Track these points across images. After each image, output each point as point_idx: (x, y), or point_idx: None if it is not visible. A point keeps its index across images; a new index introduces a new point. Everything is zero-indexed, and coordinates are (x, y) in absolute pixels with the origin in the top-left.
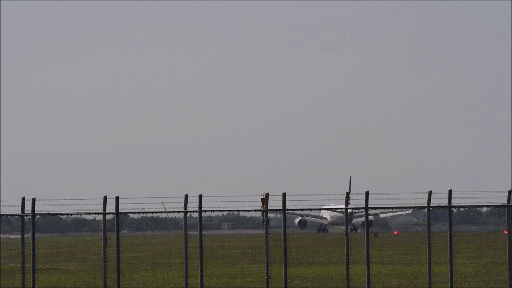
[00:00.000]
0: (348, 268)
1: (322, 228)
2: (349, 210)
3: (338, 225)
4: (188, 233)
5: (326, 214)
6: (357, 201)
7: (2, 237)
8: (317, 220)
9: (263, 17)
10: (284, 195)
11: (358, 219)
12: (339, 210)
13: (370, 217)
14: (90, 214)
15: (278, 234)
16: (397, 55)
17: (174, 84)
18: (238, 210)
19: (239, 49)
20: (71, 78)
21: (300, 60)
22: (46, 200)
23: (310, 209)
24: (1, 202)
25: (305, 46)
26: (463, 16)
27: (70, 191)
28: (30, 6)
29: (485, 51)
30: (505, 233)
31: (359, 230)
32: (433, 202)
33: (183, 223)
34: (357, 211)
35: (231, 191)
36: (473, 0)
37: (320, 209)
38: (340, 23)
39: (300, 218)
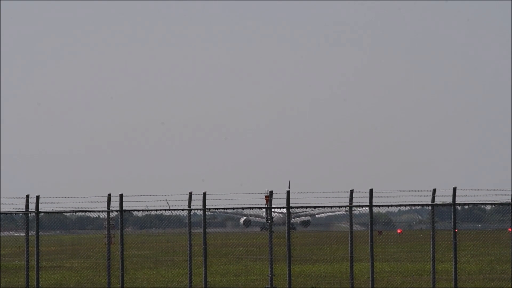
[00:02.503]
0: (352, 266)
1: (264, 227)
2: (291, 210)
3: (279, 225)
4: (192, 231)
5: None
6: (298, 200)
7: (6, 234)
8: (260, 219)
9: (263, 17)
10: (288, 193)
11: (297, 218)
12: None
13: (308, 217)
14: (94, 211)
15: (282, 232)
16: (398, 55)
17: (174, 84)
18: (242, 208)
19: (239, 49)
20: (71, 78)
21: (300, 59)
22: (50, 198)
23: (314, 207)
24: (1, 200)
25: (305, 46)
26: (463, 16)
27: (74, 189)
28: (30, 6)
29: (485, 51)
30: (509, 231)
31: (297, 229)
32: (437, 200)
33: (187, 221)
34: (296, 210)
35: (232, 191)
36: (473, 0)
37: (324, 207)
38: (340, 23)
39: (244, 218)
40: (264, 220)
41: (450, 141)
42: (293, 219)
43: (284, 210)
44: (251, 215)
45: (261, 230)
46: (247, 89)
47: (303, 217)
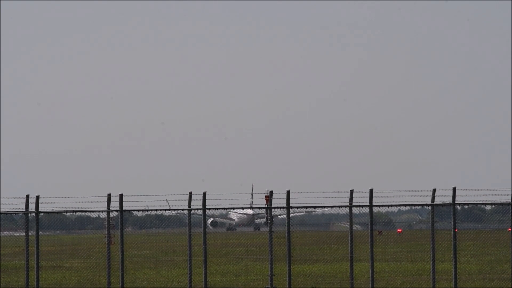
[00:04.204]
0: (352, 266)
1: (230, 228)
2: (250, 212)
3: (244, 225)
4: (192, 231)
5: (234, 216)
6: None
7: (6, 234)
8: (226, 221)
9: (263, 17)
10: (288, 192)
11: (261, 219)
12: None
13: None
14: (94, 211)
15: (282, 232)
16: (398, 55)
17: (174, 84)
18: (242, 208)
19: (239, 49)
20: (71, 78)
21: (299, 59)
22: (50, 198)
23: (314, 207)
24: (1, 200)
25: (305, 46)
26: (463, 16)
27: (74, 189)
28: (30, 6)
29: (485, 51)
30: (509, 231)
31: (261, 229)
32: (437, 200)
33: (187, 221)
34: (259, 211)
35: (232, 191)
36: (473, 0)
37: (324, 207)
38: (340, 23)
39: (212, 219)
40: (230, 221)
41: (450, 141)
42: (257, 220)
43: (248, 211)
44: (217, 217)
45: (227, 230)
46: (247, 89)
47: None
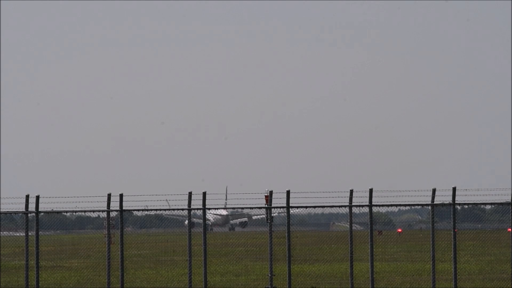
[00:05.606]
0: (352, 266)
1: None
2: (225, 212)
3: (219, 225)
4: (192, 230)
5: (210, 216)
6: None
7: (6, 234)
8: (202, 221)
9: (263, 17)
10: (288, 192)
11: (236, 220)
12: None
13: (245, 219)
14: (94, 211)
15: (282, 231)
16: (398, 55)
17: (174, 84)
18: (242, 208)
19: (239, 49)
20: (71, 78)
21: (299, 59)
22: (50, 197)
23: (314, 207)
24: (1, 199)
25: (305, 46)
26: (463, 16)
27: (74, 189)
28: (30, 6)
29: (485, 51)
30: (509, 231)
31: (236, 229)
32: (437, 200)
33: (187, 221)
34: (234, 211)
35: (232, 191)
36: (473, 0)
37: (324, 207)
38: (340, 23)
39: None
40: (208, 222)
41: (450, 141)
42: (232, 220)
43: (223, 212)
44: (195, 218)
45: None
46: (247, 89)
47: (241, 219)
